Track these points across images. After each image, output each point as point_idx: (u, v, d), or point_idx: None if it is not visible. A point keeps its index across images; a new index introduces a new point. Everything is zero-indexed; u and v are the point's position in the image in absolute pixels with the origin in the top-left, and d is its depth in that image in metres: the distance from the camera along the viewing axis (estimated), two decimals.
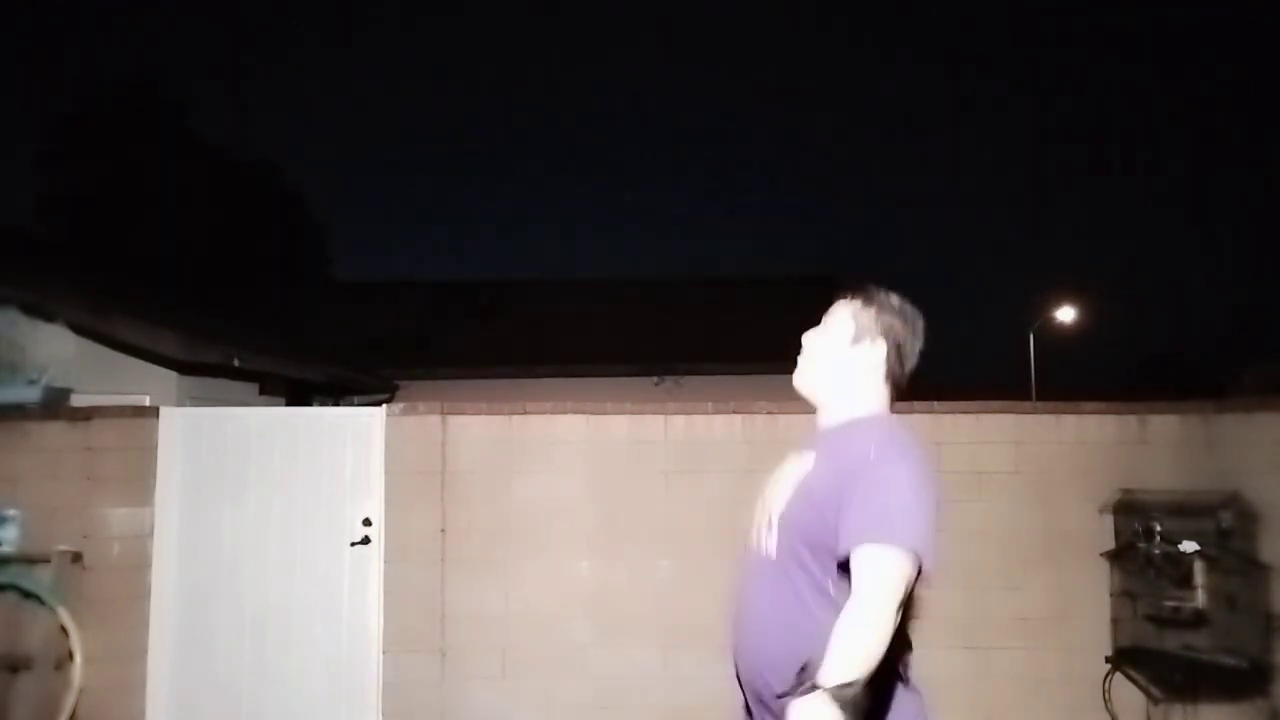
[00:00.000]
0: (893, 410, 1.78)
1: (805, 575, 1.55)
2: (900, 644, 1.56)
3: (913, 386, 1.81)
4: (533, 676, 4.26)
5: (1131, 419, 4.45)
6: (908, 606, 1.51)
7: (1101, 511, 4.32)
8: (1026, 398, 15.85)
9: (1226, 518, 4.05)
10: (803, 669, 1.39)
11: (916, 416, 4.37)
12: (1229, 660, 3.93)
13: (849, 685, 1.32)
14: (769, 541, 1.65)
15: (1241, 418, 4.37)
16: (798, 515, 1.61)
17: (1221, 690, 4.02)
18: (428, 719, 4.21)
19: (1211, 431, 4.41)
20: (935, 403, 4.42)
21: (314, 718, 4.27)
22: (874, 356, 1.73)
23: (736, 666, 1.72)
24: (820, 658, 1.38)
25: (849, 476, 1.54)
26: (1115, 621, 4.23)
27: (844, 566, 1.50)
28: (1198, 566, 3.96)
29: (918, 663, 1.68)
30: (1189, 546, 3.97)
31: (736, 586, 1.75)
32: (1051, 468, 4.40)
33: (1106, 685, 4.20)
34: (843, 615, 1.41)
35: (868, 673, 1.34)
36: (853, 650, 1.36)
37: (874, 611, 1.39)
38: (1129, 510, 4.24)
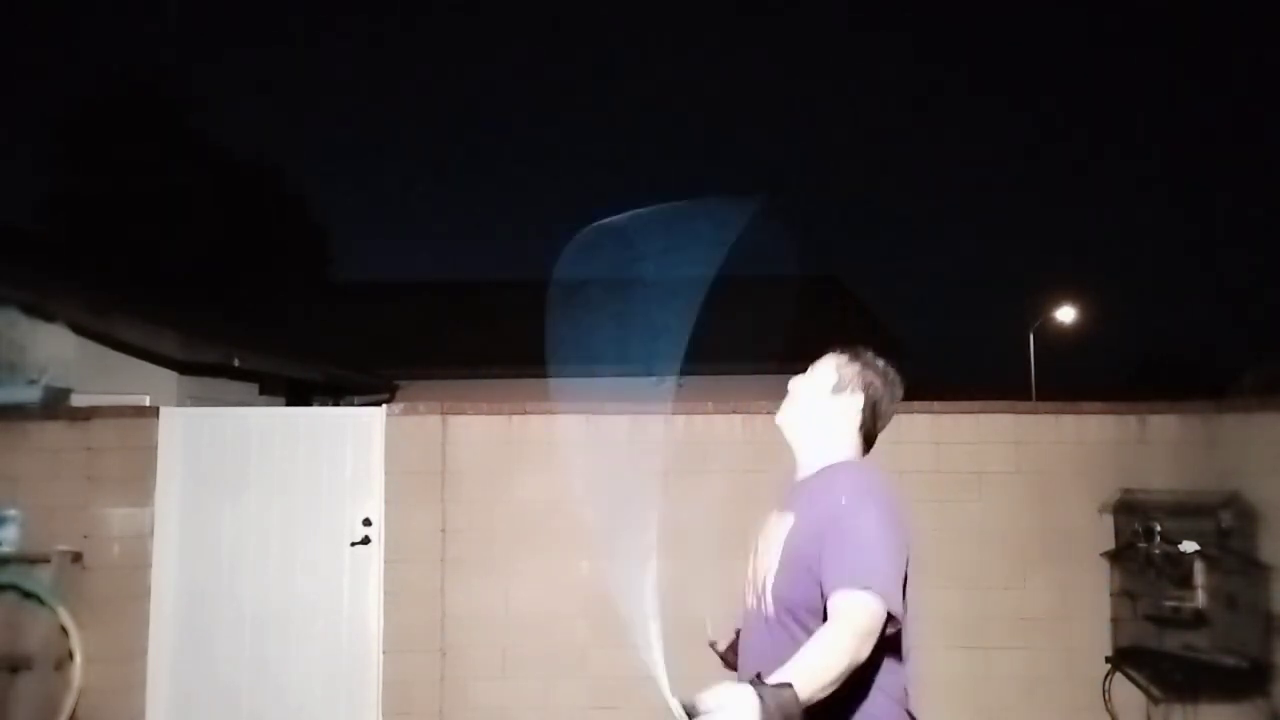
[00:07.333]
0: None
1: (803, 630, 1.66)
2: (897, 679, 1.67)
3: (913, 387, 1.86)
4: (532, 676, 4.26)
5: (1131, 419, 4.45)
6: (891, 649, 1.61)
7: (1101, 511, 4.32)
8: (1026, 398, 15.83)
9: (1226, 518, 4.05)
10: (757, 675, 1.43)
11: (916, 416, 4.37)
12: (1229, 660, 3.93)
13: (785, 688, 1.37)
14: (765, 603, 1.79)
15: (1241, 418, 4.37)
16: (788, 581, 1.73)
17: (1221, 690, 4.02)
18: (428, 719, 4.21)
19: (1211, 431, 4.41)
20: (935, 403, 4.42)
21: (314, 718, 4.27)
22: (851, 407, 1.86)
23: None
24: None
25: (826, 524, 1.67)
26: (1115, 621, 4.24)
27: None
28: (1198, 566, 3.97)
29: (915, 664, 1.71)
30: (1189, 546, 3.98)
31: (742, 638, 1.93)
32: (1051, 468, 4.39)
33: (1106, 685, 4.21)
34: (810, 639, 1.52)
35: (808, 694, 1.40)
36: (804, 665, 1.44)
37: (834, 642, 1.48)
38: (1129, 510, 4.24)
